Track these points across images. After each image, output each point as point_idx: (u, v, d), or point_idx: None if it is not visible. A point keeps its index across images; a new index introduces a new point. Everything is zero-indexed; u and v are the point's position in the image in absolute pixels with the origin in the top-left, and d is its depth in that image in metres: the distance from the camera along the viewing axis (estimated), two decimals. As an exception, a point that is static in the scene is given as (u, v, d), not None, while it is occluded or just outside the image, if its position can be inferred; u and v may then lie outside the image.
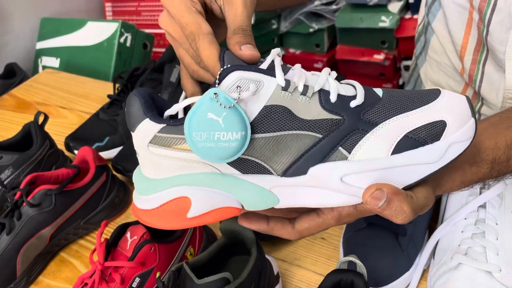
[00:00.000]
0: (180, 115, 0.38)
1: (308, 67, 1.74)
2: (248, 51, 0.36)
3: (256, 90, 0.34)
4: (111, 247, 0.52)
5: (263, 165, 0.36)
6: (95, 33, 1.17)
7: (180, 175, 0.37)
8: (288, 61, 1.80)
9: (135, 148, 0.38)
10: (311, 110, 0.34)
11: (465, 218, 0.54)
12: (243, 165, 0.36)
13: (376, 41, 1.51)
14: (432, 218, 0.60)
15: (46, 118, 0.76)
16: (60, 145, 0.79)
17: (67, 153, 0.80)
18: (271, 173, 0.36)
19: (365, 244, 0.55)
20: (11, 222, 0.60)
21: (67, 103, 1.00)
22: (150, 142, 0.36)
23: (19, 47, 1.30)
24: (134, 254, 0.50)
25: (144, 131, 0.36)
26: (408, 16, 1.49)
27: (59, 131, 0.87)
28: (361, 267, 0.46)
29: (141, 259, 0.50)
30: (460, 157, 0.35)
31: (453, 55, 0.70)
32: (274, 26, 1.70)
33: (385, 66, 1.54)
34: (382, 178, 0.34)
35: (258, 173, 0.36)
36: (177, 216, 0.37)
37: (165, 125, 0.36)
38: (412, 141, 0.33)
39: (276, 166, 0.36)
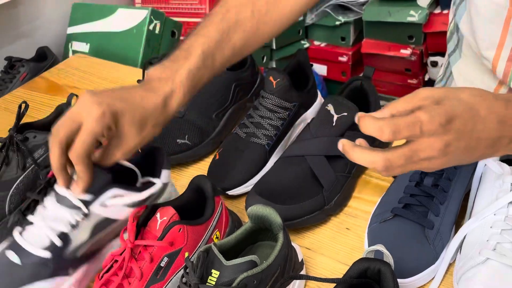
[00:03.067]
0: None
1: (332, 60, 1.74)
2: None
3: None
4: (141, 227, 0.53)
5: None
6: (125, 19, 1.19)
7: None
8: (312, 53, 1.79)
9: None
10: None
11: (494, 214, 0.53)
12: None
13: (404, 36, 1.49)
14: (459, 214, 0.60)
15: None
16: (90, 128, 0.81)
17: (96, 135, 0.82)
18: None
19: (391, 236, 0.55)
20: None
21: (97, 87, 1.02)
22: None
23: (50, 32, 1.33)
24: (164, 234, 0.51)
25: None
26: (437, 11, 1.47)
27: (88, 114, 0.89)
28: (388, 257, 0.46)
29: (170, 239, 0.51)
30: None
31: (488, 53, 0.69)
32: (300, 18, 1.70)
33: (411, 61, 1.52)
34: None
35: None
36: None
37: None
38: None
39: None
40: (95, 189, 0.52)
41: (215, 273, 0.46)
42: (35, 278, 0.50)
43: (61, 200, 0.52)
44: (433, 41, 1.48)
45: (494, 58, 0.67)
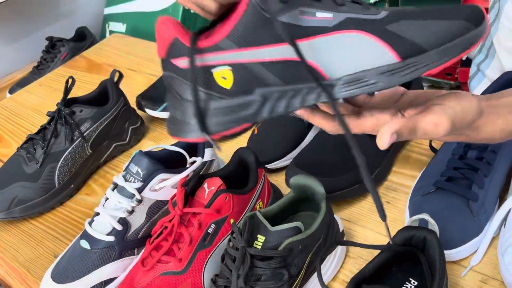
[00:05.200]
0: None
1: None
2: None
3: None
4: (189, 196, 0.55)
5: None
6: (161, -1, 1.20)
7: None
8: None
9: None
10: None
11: (541, 187, 0.53)
12: None
13: (441, 13, 1.45)
14: (502, 189, 0.59)
15: (120, 76, 0.81)
16: (131, 105, 0.83)
17: (138, 111, 0.84)
18: None
19: (434, 208, 0.55)
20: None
21: (135, 66, 1.04)
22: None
23: (88, 12, 1.36)
24: (211, 202, 0.53)
25: None
26: (477, -14, 1.41)
27: (128, 91, 0.91)
28: (433, 226, 0.47)
29: (217, 207, 0.53)
30: (505, 105, 0.40)
31: None
32: None
33: (449, 40, 1.48)
34: None
35: None
36: None
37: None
38: None
39: None
40: (145, 177, 0.57)
41: (261, 238, 0.48)
42: (105, 261, 0.56)
43: (120, 190, 0.57)
44: (472, 19, 1.43)
45: None
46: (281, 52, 0.35)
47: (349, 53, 0.35)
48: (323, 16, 0.35)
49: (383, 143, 0.37)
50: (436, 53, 0.36)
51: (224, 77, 0.35)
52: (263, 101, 0.36)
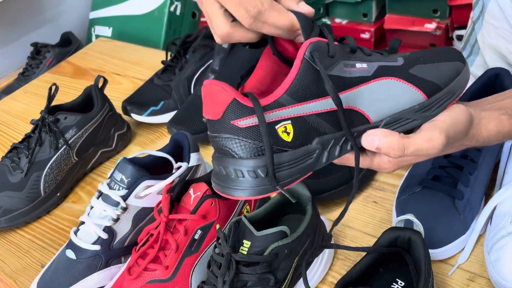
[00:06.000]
0: None
1: (354, 37, 1.70)
2: (305, 7, 0.41)
3: None
4: (174, 202, 0.54)
5: None
6: (146, 2, 1.19)
7: None
8: (334, 31, 1.77)
9: None
10: None
11: (526, 184, 0.53)
12: None
13: (428, 10, 1.45)
14: (488, 185, 0.59)
15: (105, 81, 0.80)
16: (117, 110, 0.82)
17: (124, 116, 0.83)
18: None
19: (420, 207, 0.55)
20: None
21: (121, 70, 1.03)
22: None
23: (73, 17, 1.35)
24: (196, 207, 0.52)
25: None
26: (463, -18, 1.42)
27: (114, 96, 0.90)
28: (418, 226, 0.47)
29: (202, 213, 0.52)
30: (495, 108, 0.43)
31: None
32: (320, -6, 1.67)
33: (436, 36, 1.49)
34: None
35: None
36: None
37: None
38: None
39: None
40: (130, 184, 0.56)
41: (247, 243, 0.47)
42: (92, 270, 0.55)
43: (104, 198, 0.57)
44: (459, 14, 1.44)
45: None
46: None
47: (387, 97, 0.40)
48: (361, 66, 0.39)
49: (364, 140, 0.39)
50: (448, 89, 0.42)
51: (286, 131, 0.37)
52: (321, 149, 0.38)
